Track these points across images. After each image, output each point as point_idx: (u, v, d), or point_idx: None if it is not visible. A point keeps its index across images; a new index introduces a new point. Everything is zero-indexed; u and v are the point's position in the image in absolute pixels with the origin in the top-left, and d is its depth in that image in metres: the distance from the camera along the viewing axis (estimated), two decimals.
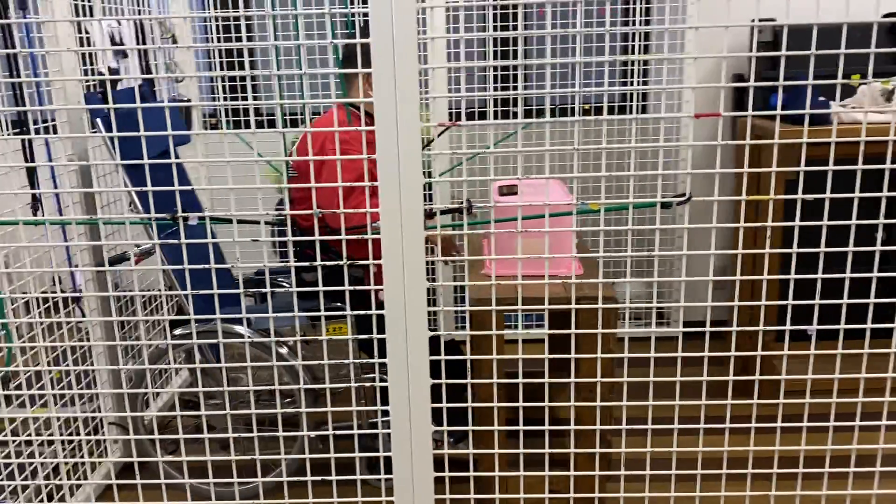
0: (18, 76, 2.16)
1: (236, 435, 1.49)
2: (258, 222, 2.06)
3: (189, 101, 3.36)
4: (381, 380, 1.43)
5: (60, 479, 1.82)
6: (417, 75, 1.26)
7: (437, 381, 1.42)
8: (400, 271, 1.34)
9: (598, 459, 1.50)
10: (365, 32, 1.23)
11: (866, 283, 1.40)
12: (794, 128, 2.01)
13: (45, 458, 2.01)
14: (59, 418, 1.93)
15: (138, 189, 2.17)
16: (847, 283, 1.39)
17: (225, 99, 3.64)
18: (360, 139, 1.35)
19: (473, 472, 1.54)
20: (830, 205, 1.35)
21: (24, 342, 2.07)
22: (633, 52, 3.59)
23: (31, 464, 2.05)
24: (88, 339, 2.43)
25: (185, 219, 1.36)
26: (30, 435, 2.05)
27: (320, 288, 1.41)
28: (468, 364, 1.44)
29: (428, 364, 1.40)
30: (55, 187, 2.32)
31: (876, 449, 1.50)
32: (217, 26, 3.58)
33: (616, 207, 1.52)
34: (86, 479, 2.34)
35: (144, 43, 2.96)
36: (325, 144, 2.29)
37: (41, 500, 2.14)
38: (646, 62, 3.68)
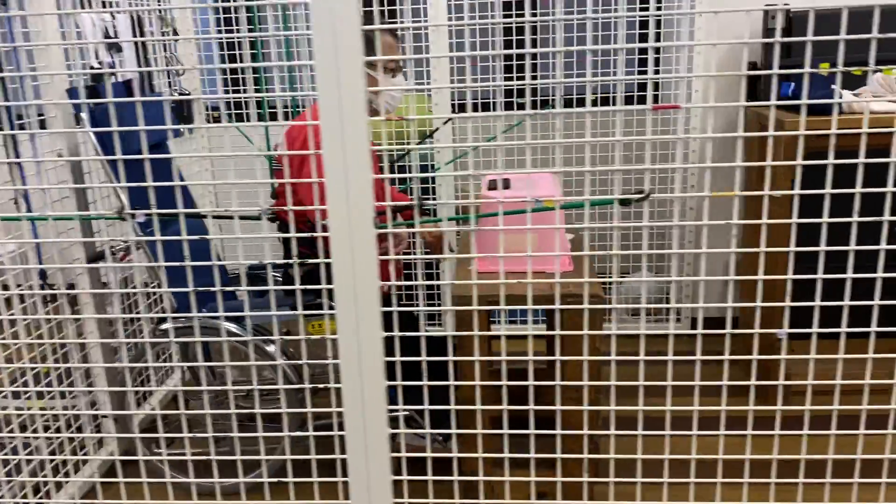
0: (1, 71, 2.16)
1: (191, 435, 1.47)
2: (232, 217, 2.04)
3: (189, 94, 3.36)
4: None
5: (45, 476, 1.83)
6: (363, 68, 1.22)
7: (393, 384, 1.39)
8: (350, 271, 1.31)
9: (561, 463, 1.45)
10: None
11: (869, 283, 1.34)
12: (801, 118, 1.92)
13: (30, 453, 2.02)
14: (43, 414, 1.94)
15: (120, 185, 2.17)
16: (819, 283, 1.33)
17: (226, 92, 3.64)
18: None
19: (436, 475, 1.50)
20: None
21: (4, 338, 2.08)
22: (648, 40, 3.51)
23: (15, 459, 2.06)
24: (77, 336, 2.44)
25: (133, 216, 1.34)
26: (11, 431, 2.06)
27: (271, 287, 1.39)
28: (424, 364, 1.40)
29: (383, 365, 1.37)
30: (39, 183, 2.32)
31: (854, 458, 1.43)
32: (217, 19, 3.57)
33: (572, 205, 1.47)
34: (76, 474, 2.36)
35: (143, 36, 2.95)
36: (306, 139, 2.25)
37: (24, 497, 2.15)
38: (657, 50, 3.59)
